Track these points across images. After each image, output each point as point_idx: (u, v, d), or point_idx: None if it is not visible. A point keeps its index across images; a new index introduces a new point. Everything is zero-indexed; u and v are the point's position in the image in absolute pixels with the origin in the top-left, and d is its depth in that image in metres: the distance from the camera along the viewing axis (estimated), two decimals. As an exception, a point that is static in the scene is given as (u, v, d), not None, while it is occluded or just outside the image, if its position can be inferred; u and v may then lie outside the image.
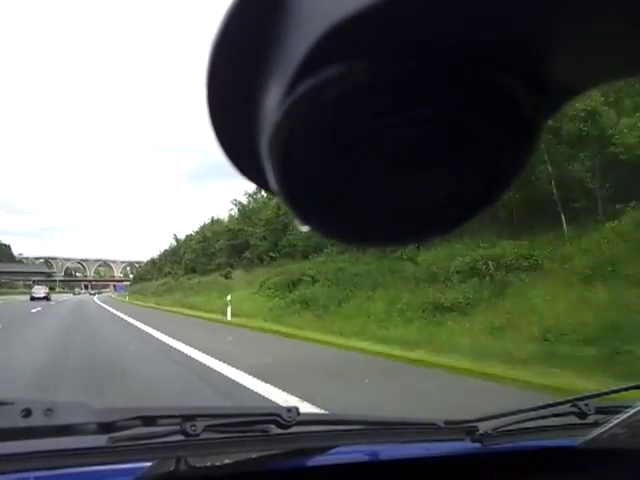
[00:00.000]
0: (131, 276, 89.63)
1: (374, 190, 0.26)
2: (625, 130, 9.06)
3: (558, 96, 0.25)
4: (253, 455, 0.97)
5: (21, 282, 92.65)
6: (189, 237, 37.91)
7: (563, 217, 9.95)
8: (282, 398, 4.36)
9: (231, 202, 29.12)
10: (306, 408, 3.78)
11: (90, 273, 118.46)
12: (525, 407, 1.10)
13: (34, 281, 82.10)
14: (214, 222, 33.33)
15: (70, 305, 28.67)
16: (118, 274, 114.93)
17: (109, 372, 5.86)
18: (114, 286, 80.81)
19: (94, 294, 72.17)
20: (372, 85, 0.22)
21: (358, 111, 0.23)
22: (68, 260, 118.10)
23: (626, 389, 1.19)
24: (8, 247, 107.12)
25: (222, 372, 5.98)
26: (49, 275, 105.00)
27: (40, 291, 40.53)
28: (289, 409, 0.95)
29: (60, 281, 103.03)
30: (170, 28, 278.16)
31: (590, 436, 1.04)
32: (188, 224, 60.87)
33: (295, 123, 0.23)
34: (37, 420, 0.80)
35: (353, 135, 0.24)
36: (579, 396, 1.12)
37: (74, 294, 77.20)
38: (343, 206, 0.27)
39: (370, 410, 1.23)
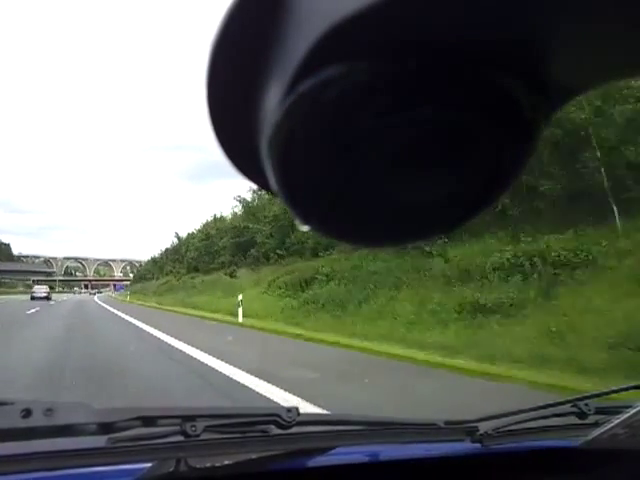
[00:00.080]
0: (131, 275, 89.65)
1: (374, 190, 0.26)
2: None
3: (558, 96, 0.25)
4: (253, 456, 0.97)
5: (20, 281, 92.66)
6: (191, 235, 37.41)
7: (615, 208, 8.83)
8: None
9: (235, 199, 28.57)
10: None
11: (90, 272, 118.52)
12: (525, 407, 1.10)
13: (34, 280, 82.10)
14: (217, 220, 32.78)
15: (70, 305, 28.59)
16: (118, 273, 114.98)
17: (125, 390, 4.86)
18: (114, 285, 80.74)
19: (94, 293, 72.41)
20: (372, 85, 0.22)
21: (358, 111, 0.23)
22: (68, 259, 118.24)
23: (626, 389, 1.19)
24: (8, 246, 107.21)
25: (256, 389, 4.74)
26: (49, 274, 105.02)
27: (41, 291, 40.93)
28: (289, 409, 0.95)
29: (60, 280, 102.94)
30: (170, 28, 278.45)
31: (590, 436, 1.04)
32: (188, 223, 61.06)
33: (295, 123, 0.23)
34: (37, 420, 0.80)
35: (353, 135, 0.24)
36: (579, 396, 1.12)
37: (74, 293, 77.59)
38: (343, 206, 0.27)
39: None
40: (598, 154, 9.21)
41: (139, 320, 14.74)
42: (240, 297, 14.51)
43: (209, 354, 7.01)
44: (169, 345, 8.69)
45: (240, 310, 14.13)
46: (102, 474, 0.92)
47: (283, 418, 0.93)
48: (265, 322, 13.06)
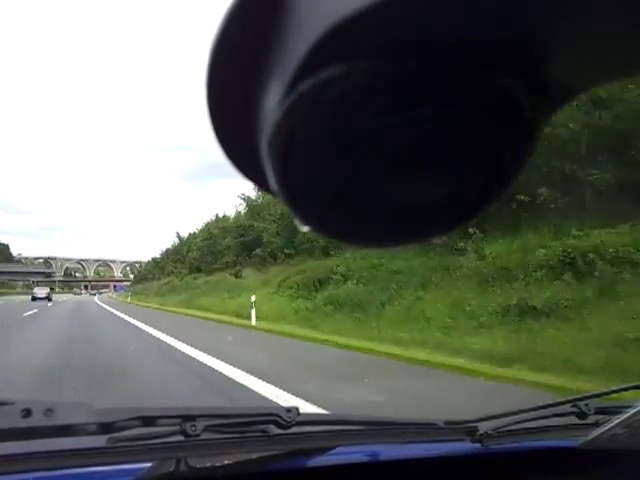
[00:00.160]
0: (131, 276, 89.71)
1: (374, 190, 0.26)
2: None
3: (558, 96, 0.25)
4: (253, 455, 0.97)
5: (20, 282, 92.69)
6: (193, 235, 37.00)
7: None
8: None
9: (239, 197, 27.92)
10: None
11: (90, 273, 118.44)
12: (525, 407, 1.10)
13: (33, 281, 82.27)
14: (220, 219, 32.26)
15: (70, 305, 28.58)
16: (118, 274, 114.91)
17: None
18: (114, 286, 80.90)
19: (94, 294, 72.51)
20: (372, 85, 0.22)
21: (358, 111, 0.23)
22: (67, 260, 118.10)
23: (626, 389, 1.19)
24: (7, 247, 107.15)
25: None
26: (48, 275, 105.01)
27: (42, 291, 41.97)
28: (289, 409, 0.95)
29: (59, 281, 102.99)
30: (170, 28, 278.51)
31: (590, 436, 1.04)
32: (188, 224, 60.92)
33: (295, 123, 0.23)
34: (37, 420, 0.80)
35: (353, 135, 0.24)
36: (579, 396, 1.12)
37: (74, 294, 77.79)
38: (343, 206, 0.27)
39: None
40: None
41: (149, 325, 12.84)
42: (253, 298, 13.47)
43: (246, 372, 5.70)
44: (208, 367, 6.36)
45: (253, 312, 13.03)
46: (102, 474, 0.92)
47: (283, 418, 0.93)
48: (279, 325, 12.11)
